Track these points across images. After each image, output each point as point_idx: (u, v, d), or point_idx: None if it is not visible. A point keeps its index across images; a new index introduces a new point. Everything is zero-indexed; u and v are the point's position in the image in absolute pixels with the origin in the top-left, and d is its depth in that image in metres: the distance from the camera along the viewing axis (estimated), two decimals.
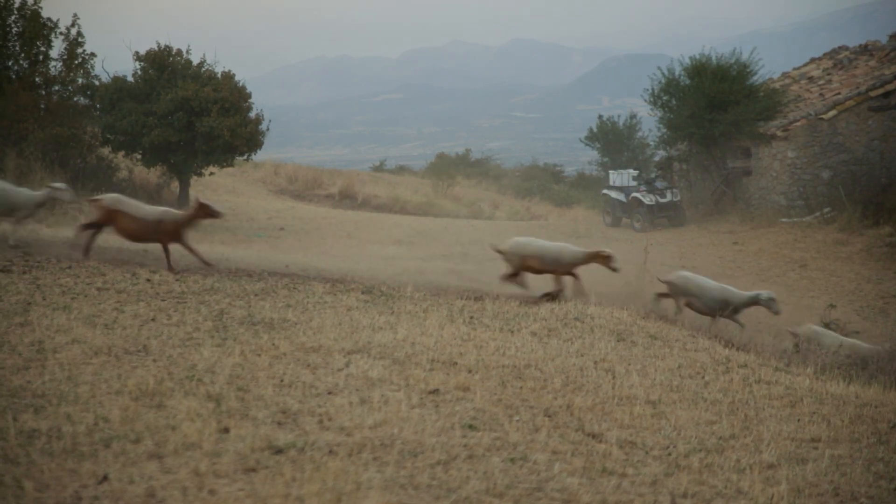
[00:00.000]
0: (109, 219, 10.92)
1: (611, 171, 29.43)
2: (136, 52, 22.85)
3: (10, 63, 22.10)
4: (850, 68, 28.63)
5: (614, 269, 11.86)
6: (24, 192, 11.79)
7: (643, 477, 5.07)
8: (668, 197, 26.84)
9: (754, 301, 12.06)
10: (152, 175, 24.51)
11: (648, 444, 5.68)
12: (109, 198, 11.14)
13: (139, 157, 22.76)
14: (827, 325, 13.00)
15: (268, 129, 23.09)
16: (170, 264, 10.97)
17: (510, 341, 8.03)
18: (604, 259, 11.75)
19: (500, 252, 12.05)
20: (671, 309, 12.15)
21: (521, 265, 11.83)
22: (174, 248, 11.28)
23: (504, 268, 12.12)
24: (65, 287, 8.67)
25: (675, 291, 12.31)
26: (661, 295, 12.49)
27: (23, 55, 22.19)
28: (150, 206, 11.35)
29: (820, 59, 30.79)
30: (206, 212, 11.11)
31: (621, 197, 27.50)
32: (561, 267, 11.71)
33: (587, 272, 12.27)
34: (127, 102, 21.97)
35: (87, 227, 11.13)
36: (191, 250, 11.13)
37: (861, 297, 18.10)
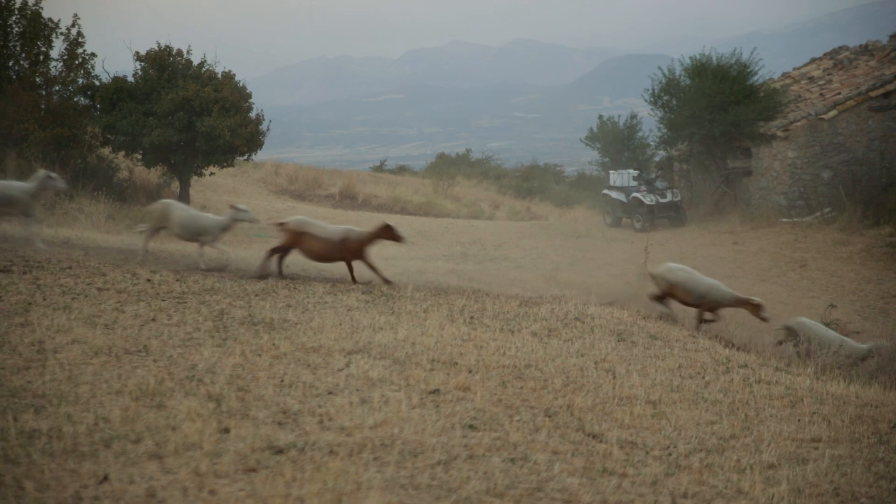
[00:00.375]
0: (296, 241, 11.00)
1: (611, 172, 29.41)
2: (137, 53, 22.83)
3: (10, 63, 22.10)
4: (850, 68, 28.63)
5: (764, 319, 11.29)
6: (210, 218, 11.89)
7: (643, 477, 5.07)
8: (669, 197, 26.83)
9: (870, 354, 11.52)
10: (153, 175, 24.49)
11: (649, 445, 5.68)
12: (295, 220, 11.19)
13: (139, 157, 22.74)
14: (827, 326, 12.98)
15: (268, 130, 23.06)
16: (354, 278, 11.10)
17: (510, 341, 8.03)
18: (753, 308, 11.26)
19: (651, 275, 11.74)
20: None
21: (668, 292, 11.45)
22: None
23: (652, 288, 11.76)
24: (65, 287, 8.67)
25: (790, 335, 11.95)
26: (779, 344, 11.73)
27: (23, 55, 22.19)
28: (332, 225, 11.33)
29: (820, 59, 30.79)
30: (388, 234, 11.09)
31: (622, 197, 27.49)
32: (706, 304, 11.28)
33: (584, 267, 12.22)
34: (127, 102, 21.95)
35: (275, 251, 11.20)
36: (372, 268, 11.17)
37: (861, 297, 18.09)
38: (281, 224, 11.24)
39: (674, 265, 11.70)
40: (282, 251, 11.16)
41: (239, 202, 12.39)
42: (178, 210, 11.75)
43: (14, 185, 11.82)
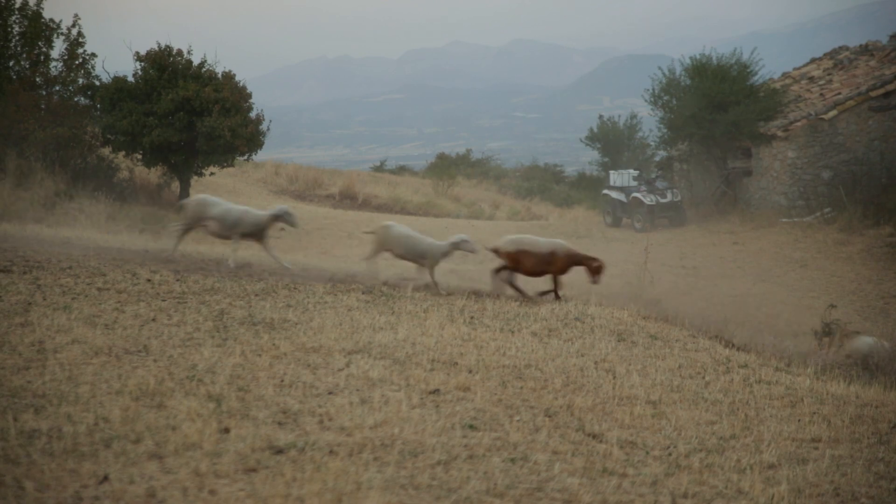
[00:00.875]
0: (516, 261, 11.20)
1: (611, 172, 29.41)
2: (137, 53, 22.82)
3: (10, 63, 22.10)
4: (850, 68, 28.63)
5: None
6: (432, 243, 12.21)
7: (644, 477, 5.07)
8: (669, 197, 26.82)
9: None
10: (153, 175, 24.49)
11: (649, 445, 5.68)
12: (507, 241, 11.37)
13: (140, 157, 22.74)
14: (828, 325, 12.97)
15: (268, 130, 23.06)
16: (557, 294, 11.17)
17: (511, 341, 8.03)
18: None
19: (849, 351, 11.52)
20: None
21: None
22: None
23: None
24: (65, 287, 8.67)
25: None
26: None
27: (24, 55, 22.19)
28: (544, 238, 11.47)
29: (820, 59, 30.78)
30: (595, 266, 11.23)
31: (622, 197, 27.48)
32: None
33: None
34: (127, 102, 21.94)
35: (500, 270, 11.40)
36: (556, 286, 11.27)
37: (862, 297, 18.09)
38: (495, 249, 11.42)
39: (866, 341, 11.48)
40: (504, 270, 11.35)
41: (462, 233, 12.67)
42: (400, 232, 12.08)
43: (252, 213, 12.43)
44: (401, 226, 12.28)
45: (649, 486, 4.95)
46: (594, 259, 11.33)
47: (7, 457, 4.46)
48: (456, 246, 11.89)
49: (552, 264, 11.12)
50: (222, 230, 12.13)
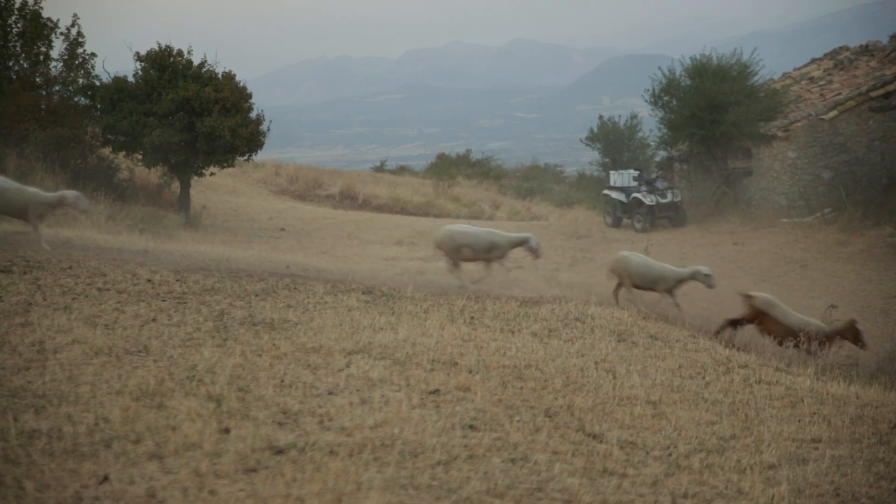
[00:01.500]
0: (756, 318, 11.06)
1: (611, 172, 29.40)
2: (137, 53, 22.79)
3: (10, 63, 22.09)
4: (850, 69, 28.63)
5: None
6: (667, 268, 12.52)
7: (644, 477, 5.07)
8: (669, 197, 26.81)
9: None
10: (153, 175, 24.49)
11: (649, 445, 5.68)
12: (762, 299, 11.20)
13: (140, 157, 22.73)
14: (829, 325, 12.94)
15: (269, 130, 23.04)
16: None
17: (511, 342, 8.03)
18: None
19: None
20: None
21: None
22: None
23: None
24: (65, 287, 8.66)
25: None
26: None
27: (23, 55, 22.18)
28: (797, 314, 11.18)
29: (821, 59, 30.79)
30: (853, 335, 10.79)
31: (622, 197, 27.48)
32: None
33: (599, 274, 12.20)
34: (127, 103, 21.93)
35: (733, 323, 11.26)
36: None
37: (862, 297, 18.07)
38: (748, 297, 11.23)
39: None
40: (739, 324, 11.12)
41: (704, 267, 12.77)
42: (638, 262, 12.44)
43: (499, 234, 13.18)
44: (637, 255, 12.64)
45: (649, 487, 4.95)
46: (849, 328, 10.76)
47: (7, 457, 4.46)
48: (695, 276, 12.02)
49: (797, 337, 10.75)
50: (476, 255, 13.00)
